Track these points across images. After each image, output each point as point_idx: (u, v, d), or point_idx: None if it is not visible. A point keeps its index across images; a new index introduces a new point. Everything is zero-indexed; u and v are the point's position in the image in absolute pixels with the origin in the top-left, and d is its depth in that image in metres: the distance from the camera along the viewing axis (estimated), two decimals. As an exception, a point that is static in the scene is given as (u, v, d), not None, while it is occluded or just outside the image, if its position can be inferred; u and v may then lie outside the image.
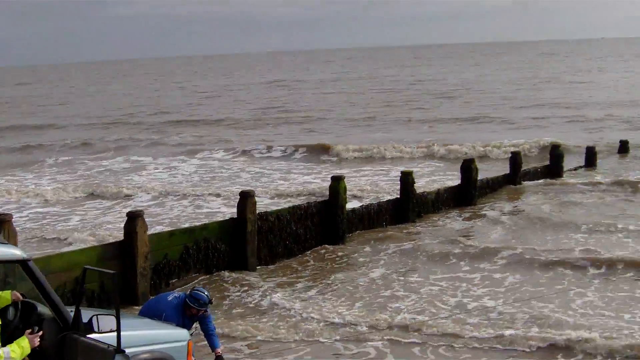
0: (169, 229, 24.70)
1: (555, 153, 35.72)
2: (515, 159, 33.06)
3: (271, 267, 21.74)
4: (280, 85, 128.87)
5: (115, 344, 9.72)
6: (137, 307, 16.39)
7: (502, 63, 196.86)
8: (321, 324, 17.08)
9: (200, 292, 13.45)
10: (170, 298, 13.55)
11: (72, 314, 10.38)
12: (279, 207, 24.98)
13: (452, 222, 27.09)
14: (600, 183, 32.76)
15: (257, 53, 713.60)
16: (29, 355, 9.52)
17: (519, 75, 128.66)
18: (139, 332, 11.37)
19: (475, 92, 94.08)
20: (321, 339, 16.35)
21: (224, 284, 19.85)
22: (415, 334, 16.39)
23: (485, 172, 34.48)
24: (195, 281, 19.76)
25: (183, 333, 11.94)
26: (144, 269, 18.46)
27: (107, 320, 9.98)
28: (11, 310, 10.61)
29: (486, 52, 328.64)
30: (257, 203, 21.51)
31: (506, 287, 19.54)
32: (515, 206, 29.23)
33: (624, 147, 42.16)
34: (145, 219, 18.74)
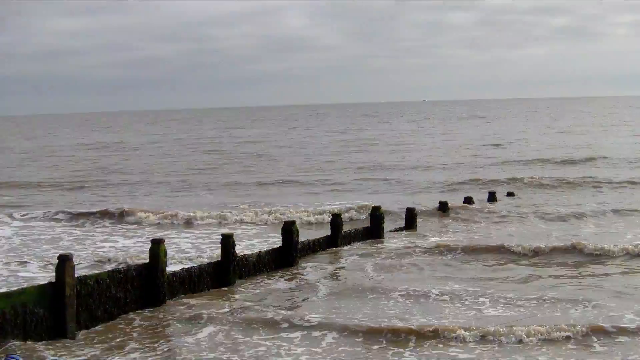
0: (-15, 294, 24.04)
1: (376, 214, 36.48)
2: (335, 221, 33.66)
3: (92, 331, 21.44)
4: (104, 147, 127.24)
5: None
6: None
7: (325, 125, 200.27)
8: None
9: (14, 359, 13.23)
10: (-17, 366, 13.27)
11: None
12: (99, 271, 24.73)
13: (274, 284, 27.34)
14: (418, 246, 33.46)
15: (81, 113, 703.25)
16: None
17: (344, 138, 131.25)
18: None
19: (298, 155, 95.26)
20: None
21: (41, 350, 19.45)
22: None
23: (308, 234, 35.06)
24: (10, 345, 19.30)
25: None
26: (-43, 336, 17.97)
27: None
28: None
29: (309, 114, 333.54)
30: (76, 267, 21.26)
31: (323, 348, 19.89)
32: (335, 269, 29.69)
33: (443, 208, 43.47)
34: (-41, 284, 18.27)
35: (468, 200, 45.60)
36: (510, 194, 50.98)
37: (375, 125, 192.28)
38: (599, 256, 30.84)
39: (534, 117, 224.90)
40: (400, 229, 38.67)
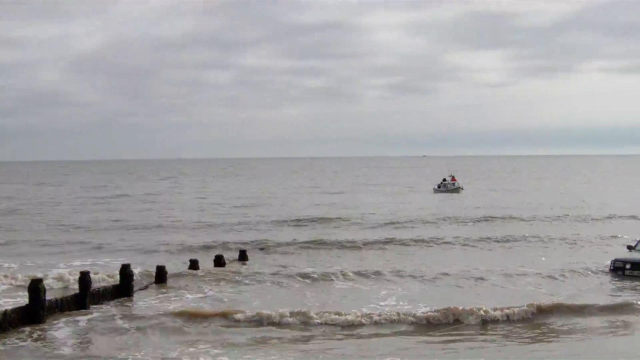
0: None
1: (125, 272, 36.64)
2: (84, 279, 33.45)
3: None
4: None
5: None
6: None
7: (81, 181, 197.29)
8: None
9: None
10: None
11: None
12: None
13: (19, 344, 27.17)
14: (164, 308, 33.75)
15: None
16: None
17: (98, 194, 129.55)
18: None
19: (52, 212, 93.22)
20: None
21: None
22: None
23: (57, 292, 34.87)
24: None
25: None
26: None
27: None
28: None
29: (66, 169, 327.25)
30: None
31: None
32: (80, 329, 29.86)
33: (193, 266, 43.79)
34: None
35: (219, 259, 46.03)
36: (262, 249, 52.50)
37: (132, 182, 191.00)
38: (331, 324, 31.23)
39: (290, 177, 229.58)
40: (151, 284, 39.19)
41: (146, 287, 38.69)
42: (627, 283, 40.71)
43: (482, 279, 41.79)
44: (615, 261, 44.04)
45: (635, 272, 42.34)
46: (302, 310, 32.30)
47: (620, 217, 77.92)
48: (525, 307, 32.79)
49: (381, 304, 35.12)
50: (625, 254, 45.03)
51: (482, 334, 30.04)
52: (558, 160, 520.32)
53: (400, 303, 35.08)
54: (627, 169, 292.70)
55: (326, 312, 32.31)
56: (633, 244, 46.49)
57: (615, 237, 59.74)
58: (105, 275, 41.33)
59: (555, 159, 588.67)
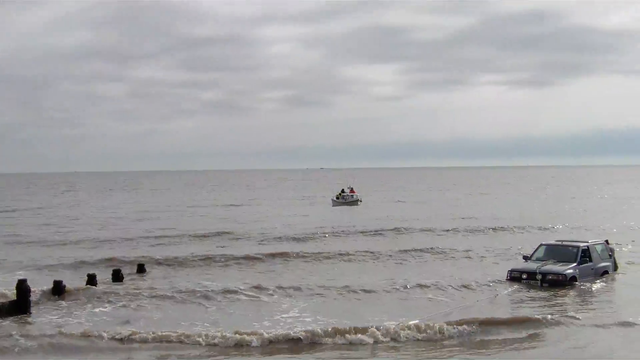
0: None
1: (22, 288, 35.87)
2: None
3: None
4: None
5: None
6: None
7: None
8: None
9: None
10: None
11: None
12: None
13: None
14: (63, 328, 32.61)
15: None
16: None
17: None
18: None
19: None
20: None
21: None
22: None
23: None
24: None
25: None
26: None
27: None
28: None
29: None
30: None
31: None
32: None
33: (90, 281, 43.09)
34: None
35: (116, 273, 45.62)
36: (162, 263, 52.30)
37: (27, 196, 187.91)
38: (227, 344, 30.60)
39: (188, 189, 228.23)
40: (48, 300, 38.60)
41: (43, 303, 37.98)
42: (524, 294, 41.37)
43: (385, 291, 41.88)
44: (512, 271, 44.91)
45: (532, 282, 43.27)
46: (204, 328, 32.18)
47: (517, 227, 79.26)
48: (425, 322, 32.77)
49: (284, 315, 35.18)
50: (521, 264, 45.86)
51: (381, 351, 30.05)
52: (453, 172, 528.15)
53: (302, 316, 35.09)
54: (518, 179, 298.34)
55: (222, 329, 31.92)
56: (529, 254, 47.34)
57: (511, 247, 60.63)
58: (1, 291, 40.51)
59: (450, 170, 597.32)
